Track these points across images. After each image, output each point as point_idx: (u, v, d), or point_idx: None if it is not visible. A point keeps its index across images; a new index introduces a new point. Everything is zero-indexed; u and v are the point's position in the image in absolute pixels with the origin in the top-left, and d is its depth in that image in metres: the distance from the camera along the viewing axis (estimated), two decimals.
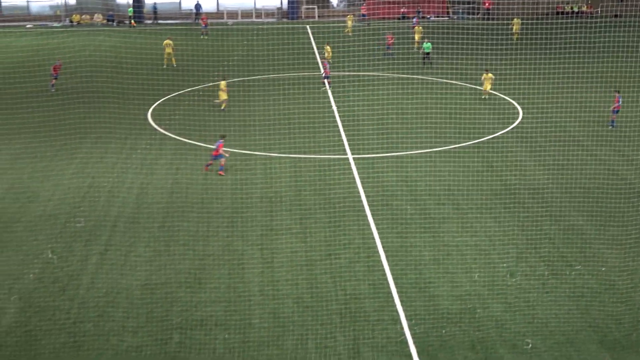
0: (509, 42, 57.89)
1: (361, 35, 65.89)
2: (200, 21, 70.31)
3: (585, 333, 24.67)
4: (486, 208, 33.45)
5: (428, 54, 57.37)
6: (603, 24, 62.57)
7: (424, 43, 58.34)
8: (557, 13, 75.58)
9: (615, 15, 72.85)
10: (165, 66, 57.74)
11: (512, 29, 65.79)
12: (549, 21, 67.81)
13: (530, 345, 24.07)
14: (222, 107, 46.77)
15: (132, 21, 78.36)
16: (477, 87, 52.63)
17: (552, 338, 24.44)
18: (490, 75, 47.38)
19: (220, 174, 36.49)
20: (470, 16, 75.94)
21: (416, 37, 61.24)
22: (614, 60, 54.25)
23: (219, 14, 78.96)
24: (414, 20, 71.20)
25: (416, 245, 30.30)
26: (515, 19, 65.88)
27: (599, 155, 39.83)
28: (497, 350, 23.82)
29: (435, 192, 35.16)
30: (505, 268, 28.57)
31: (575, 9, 77.01)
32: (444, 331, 24.70)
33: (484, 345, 24.04)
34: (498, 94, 50.59)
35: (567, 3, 77.11)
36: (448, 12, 77.25)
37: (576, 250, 29.87)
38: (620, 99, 43.82)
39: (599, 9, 76.50)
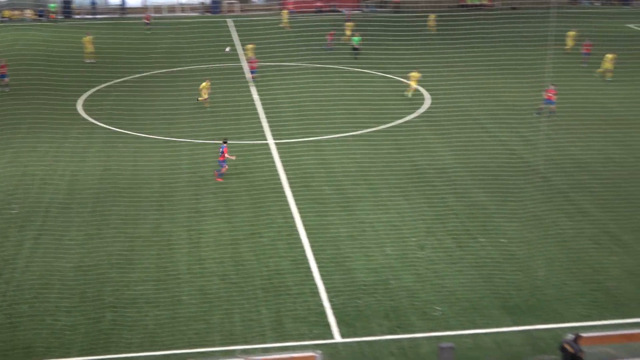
0: (415, 33, 58.34)
1: (294, 28, 65.79)
2: (144, 19, 69.10)
3: (488, 299, 25.19)
4: (397, 187, 33.79)
5: (356, 47, 57.35)
6: (501, 16, 63.55)
7: (354, 37, 58.23)
8: (460, 6, 76.39)
9: (513, 8, 74.04)
10: (88, 61, 56.57)
11: (428, 23, 65.89)
12: (453, 14, 68.57)
13: (439, 312, 24.48)
14: (205, 105, 45.52)
15: (52, 14, 76.66)
16: (388, 75, 52.99)
17: (458, 305, 24.89)
18: (416, 74, 46.93)
19: (218, 180, 34.77)
20: (380, 9, 76.29)
21: (347, 32, 60.96)
22: (512, 49, 55.20)
23: (143, 8, 77.88)
24: (346, 14, 70.85)
25: (334, 223, 30.48)
26: (431, 15, 66.13)
27: (500, 137, 40.53)
28: (409, 317, 24.16)
29: (351, 173, 35.39)
30: (415, 242, 28.95)
31: (477, 2, 77.93)
32: (360, 302, 24.95)
33: (397, 313, 24.36)
34: (406, 81, 51.02)
35: None
36: (360, 6, 77.44)
37: (479, 224, 30.42)
38: (554, 90, 44.16)
39: (498, 3, 77.61)
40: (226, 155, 34.61)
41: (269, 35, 57.31)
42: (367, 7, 77.32)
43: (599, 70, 50.87)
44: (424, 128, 41.86)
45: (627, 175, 35.32)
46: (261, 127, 42.18)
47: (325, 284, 26.01)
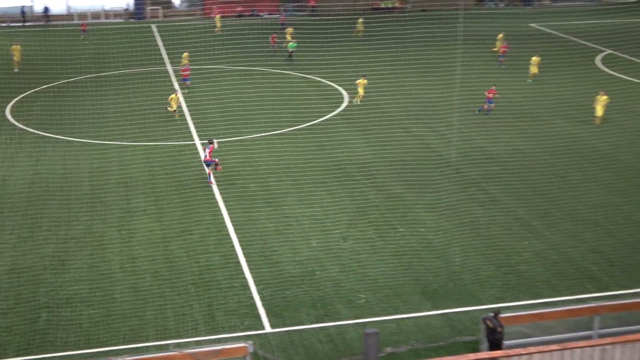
0: (332, 35, 58.59)
1: (224, 32, 65.23)
2: (80, 28, 67.32)
3: (409, 286, 25.48)
4: (320, 182, 33.88)
5: (291, 53, 56.82)
6: (413, 18, 64.22)
7: (290, 43, 57.72)
8: (374, 9, 76.92)
9: (423, 10, 74.90)
10: (16, 70, 55.10)
11: (356, 27, 65.66)
12: (367, 16, 69.00)
13: (363, 299, 24.66)
14: (175, 116, 43.91)
15: None
16: (308, 76, 53.04)
17: (381, 292, 25.11)
18: (363, 80, 46.38)
19: (210, 184, 33.75)
20: (298, 13, 76.37)
21: (288, 37, 60.29)
22: (423, 49, 55.85)
23: (69, 15, 76.26)
24: (280, 19, 70.08)
25: (260, 218, 30.42)
26: (359, 19, 65.98)
27: (415, 132, 40.99)
28: (334, 306, 24.28)
29: (275, 171, 35.36)
30: (338, 234, 29.09)
31: (389, 5, 78.55)
32: (288, 293, 24.98)
33: (324, 302, 24.46)
34: (325, 81, 51.20)
35: (382, 0, 78.61)
36: (279, 10, 77.33)
37: (399, 215, 30.73)
38: (494, 90, 44.63)
39: (409, 5, 78.40)
40: (209, 155, 33.63)
41: (193, 39, 56.84)
42: (285, 10, 77.25)
43: (530, 75, 51.40)
44: (344, 126, 42.05)
45: (534, 164, 36.13)
46: (188, 128, 41.77)
47: (254, 277, 25.95)
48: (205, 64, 52.92)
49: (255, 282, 25.63)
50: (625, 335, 17.28)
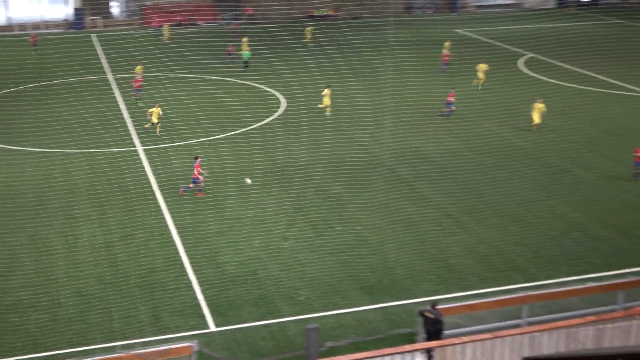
0: (269, 42, 58.50)
1: (163, 41, 64.46)
2: (29, 40, 65.48)
3: (347, 282, 25.59)
4: (261, 184, 33.81)
5: (246, 61, 56.18)
6: (346, 25, 64.62)
7: (244, 52, 57.04)
8: (309, 17, 77.04)
9: (355, 17, 75.34)
10: None
11: (305, 35, 65.20)
12: (302, 24, 69.08)
13: (303, 296, 24.68)
14: (156, 129, 41.36)
15: None
16: (247, 82, 52.85)
17: (320, 289, 25.17)
18: (328, 90, 45.83)
19: (200, 195, 32.78)
20: (236, 21, 76.04)
21: (244, 46, 59.48)
22: (356, 55, 56.20)
23: (9, 27, 74.61)
24: (232, 27, 69.14)
25: (203, 221, 30.22)
26: (308, 28, 65.63)
27: (350, 134, 41.17)
28: (276, 304, 24.26)
29: (217, 174, 35.11)
30: (279, 234, 29.07)
31: (323, 13, 78.80)
32: (231, 292, 24.87)
33: (266, 300, 24.41)
34: (263, 87, 51.09)
35: (316, 8, 78.76)
36: (216, 19, 76.85)
37: (336, 214, 30.84)
38: (454, 94, 44.90)
39: (342, 13, 78.74)
40: (199, 169, 32.90)
41: (133, 47, 56.18)
42: (223, 19, 76.82)
43: (475, 81, 51.45)
44: (282, 129, 42.03)
45: (462, 163, 36.64)
46: (129, 135, 41.22)
47: (198, 278, 25.76)
48: (145, 72, 52.30)
49: (199, 282, 25.44)
50: (551, 322, 17.60)
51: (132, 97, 47.55)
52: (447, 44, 59.55)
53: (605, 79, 53.92)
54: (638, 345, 14.78)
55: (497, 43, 66.40)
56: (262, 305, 24.18)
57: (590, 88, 51.30)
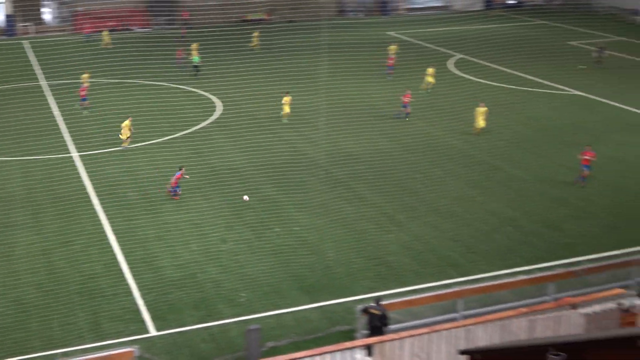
0: (205, 46, 58.07)
1: (96, 46, 63.28)
2: None
3: (287, 282, 25.57)
4: (197, 188, 33.52)
5: (196, 65, 55.32)
6: (280, 29, 64.54)
7: (194, 57, 56.13)
8: (243, 21, 76.65)
9: (289, 21, 75.24)
10: None
11: (252, 41, 64.50)
12: (237, 28, 68.76)
13: (243, 298, 24.57)
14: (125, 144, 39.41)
15: None
16: (182, 86, 52.35)
17: (260, 290, 25.10)
18: (288, 97, 45.18)
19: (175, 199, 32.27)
20: (169, 26, 75.26)
21: (193, 52, 58.44)
22: (290, 57, 56.19)
23: None
24: (181, 32, 67.82)
25: (141, 226, 29.82)
26: (255, 32, 64.96)
27: (284, 137, 41.14)
28: (216, 306, 24.10)
29: (154, 178, 34.69)
30: (217, 237, 28.87)
31: (257, 17, 78.48)
32: (170, 296, 24.60)
33: (206, 303, 24.23)
34: (199, 91, 50.68)
35: (251, 12, 78.39)
36: (150, 24, 75.88)
37: (274, 216, 30.78)
38: (409, 95, 44.99)
39: (276, 16, 78.57)
40: (179, 178, 32.32)
41: (66, 53, 55.10)
42: (157, 24, 75.95)
43: (423, 86, 51.33)
44: (217, 133, 41.72)
45: (395, 163, 36.93)
46: (64, 141, 40.39)
47: (137, 283, 25.41)
48: (79, 78, 51.32)
49: (138, 287, 25.09)
50: (486, 315, 17.89)
51: (78, 105, 46.19)
52: (392, 47, 59.68)
53: (531, 77, 55.05)
54: (568, 334, 15.11)
55: (428, 44, 67.19)
56: (202, 308, 23.98)
57: (517, 87, 52.32)
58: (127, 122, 39.46)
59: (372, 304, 21.34)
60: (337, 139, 40.03)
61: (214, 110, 46.27)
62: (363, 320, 21.47)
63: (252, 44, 64.14)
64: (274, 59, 57.18)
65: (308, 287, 25.33)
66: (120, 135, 39.37)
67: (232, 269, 26.41)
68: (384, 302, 21.74)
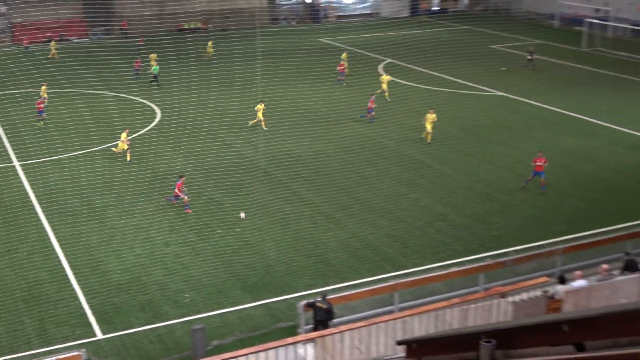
0: (143, 54, 57.31)
1: (35, 56, 61.76)
2: None
3: (230, 282, 25.47)
4: (140, 193, 33.10)
5: (155, 76, 54.14)
6: (215, 37, 64.20)
7: (154, 67, 54.90)
8: (179, 30, 75.97)
9: (223, 29, 74.89)
10: None
11: (207, 49, 63.55)
12: (173, 37, 68.13)
13: (188, 299, 24.37)
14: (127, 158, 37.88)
15: None
16: (121, 95, 51.60)
17: (205, 290, 24.94)
18: (261, 106, 44.30)
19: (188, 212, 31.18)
20: (107, 36, 74.10)
21: (152, 62, 57.08)
22: (226, 65, 55.87)
23: None
24: (139, 44, 66.24)
25: (85, 232, 29.30)
26: (210, 42, 64.06)
27: (226, 141, 40.91)
28: (162, 307, 23.85)
29: (96, 185, 34.13)
30: (161, 240, 28.58)
31: (193, 26, 77.92)
32: (117, 300, 24.24)
33: (152, 305, 23.96)
34: (138, 99, 50.02)
35: (186, 21, 77.76)
36: (87, 34, 74.58)
37: (216, 218, 30.61)
38: (373, 100, 44.81)
39: (211, 26, 78.12)
40: (178, 189, 31.33)
41: (6, 64, 53.82)
42: (94, 34, 74.69)
43: (378, 91, 50.09)
44: (159, 139, 41.27)
45: (333, 163, 37.12)
46: (6, 151, 39.42)
47: (82, 288, 24.96)
48: (18, 88, 50.12)
49: (84, 292, 24.65)
50: (421, 306, 18.11)
51: (37, 120, 44.56)
52: (344, 55, 59.56)
53: (456, 80, 55.97)
54: (499, 322, 15.42)
55: (358, 50, 67.68)
56: (148, 310, 23.70)
57: (443, 89, 53.12)
58: (123, 135, 37.90)
59: (319, 299, 21.39)
60: (277, 142, 40.04)
61: (154, 118, 45.73)
62: (307, 315, 21.51)
63: (207, 53, 63.29)
64: (210, 66, 56.84)
65: (251, 286, 25.27)
66: (114, 149, 38.10)
67: (177, 271, 26.17)
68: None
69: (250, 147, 39.46)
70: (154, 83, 53.31)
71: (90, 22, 74.63)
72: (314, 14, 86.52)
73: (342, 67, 56.06)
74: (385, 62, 62.49)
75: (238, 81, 50.71)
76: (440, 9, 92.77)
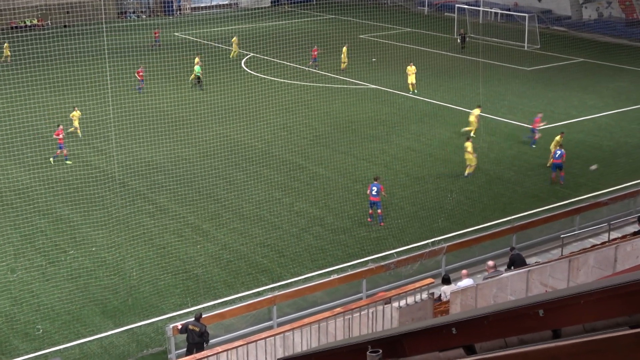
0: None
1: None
2: None
3: (88, 308, 24.81)
4: None
5: (199, 77, 51.37)
6: (56, 34, 62.26)
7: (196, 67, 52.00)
8: (12, 28, 73.19)
9: (65, 26, 72.82)
10: None
11: (3, 52, 60.90)
12: (7, 36, 65.56)
13: (40, 330, 23.55)
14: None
15: None
16: None
17: (59, 319, 24.17)
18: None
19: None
20: None
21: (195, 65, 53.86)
22: (71, 65, 54.34)
23: None
24: None
25: None
26: (5, 44, 61.36)
27: (74, 151, 39.71)
28: (11, 342, 22.93)
29: None
30: (5, 266, 27.45)
31: (29, 23, 75.28)
32: None
33: None
34: None
35: (20, 19, 75.00)
36: None
37: (68, 237, 29.72)
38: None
39: (49, 22, 75.74)
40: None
41: None
42: None
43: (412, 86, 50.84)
44: None
45: (197, 170, 36.82)
46: None
47: None
48: None
49: None
50: (301, 319, 18.30)
51: None
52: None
53: (325, 73, 56.81)
54: (385, 329, 15.80)
55: (216, 44, 67.46)
56: None
57: (311, 84, 53.79)
58: (75, 112, 40.88)
59: (191, 320, 21.13)
60: (131, 149, 39.27)
61: None
62: (179, 338, 21.24)
63: (3, 56, 61.64)
64: (52, 67, 55.06)
65: (112, 310, 24.69)
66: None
67: (25, 300, 25.19)
68: (189, 321, 21.65)
69: (102, 157, 38.52)
70: (198, 86, 52.82)
71: None
72: (166, 6, 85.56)
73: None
74: (247, 56, 62.59)
75: (84, 83, 49.38)
76: None
